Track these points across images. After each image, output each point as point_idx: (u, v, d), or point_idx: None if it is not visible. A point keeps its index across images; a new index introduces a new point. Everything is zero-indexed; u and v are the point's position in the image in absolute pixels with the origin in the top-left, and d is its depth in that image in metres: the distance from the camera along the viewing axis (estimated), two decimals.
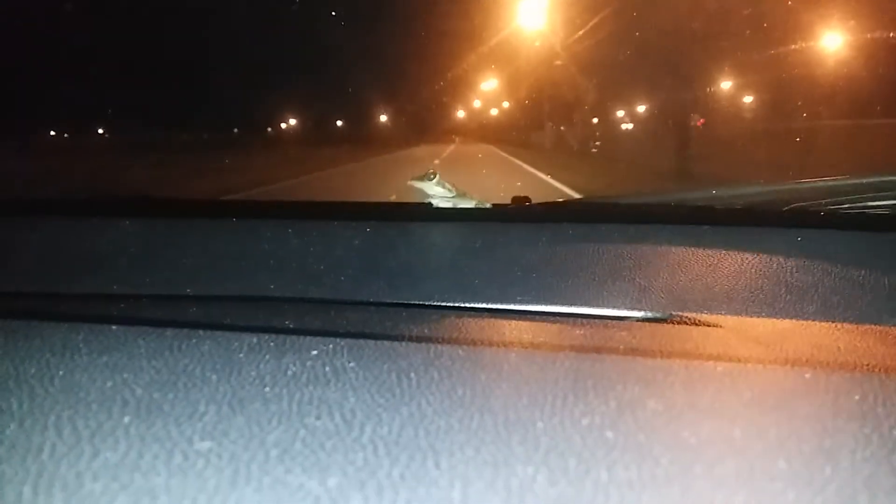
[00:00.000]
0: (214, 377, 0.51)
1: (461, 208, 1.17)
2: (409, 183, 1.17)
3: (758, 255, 0.92)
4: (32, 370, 0.52)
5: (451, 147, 21.61)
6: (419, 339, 0.61)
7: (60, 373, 0.52)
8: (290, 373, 0.52)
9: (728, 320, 0.76)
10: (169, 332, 0.60)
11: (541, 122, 21.75)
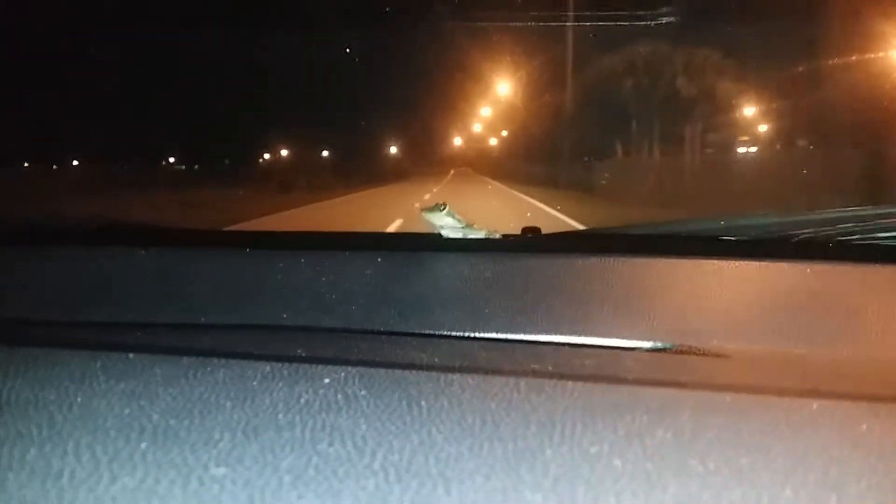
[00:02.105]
0: (229, 404, 0.52)
1: (471, 239, 1.18)
2: (420, 213, 1.18)
3: (766, 285, 0.92)
4: (52, 396, 0.54)
5: (439, 186, 17.65)
6: (430, 368, 0.62)
7: (79, 399, 0.53)
8: (302, 400, 0.53)
9: (736, 351, 0.76)
10: (184, 360, 0.61)
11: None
